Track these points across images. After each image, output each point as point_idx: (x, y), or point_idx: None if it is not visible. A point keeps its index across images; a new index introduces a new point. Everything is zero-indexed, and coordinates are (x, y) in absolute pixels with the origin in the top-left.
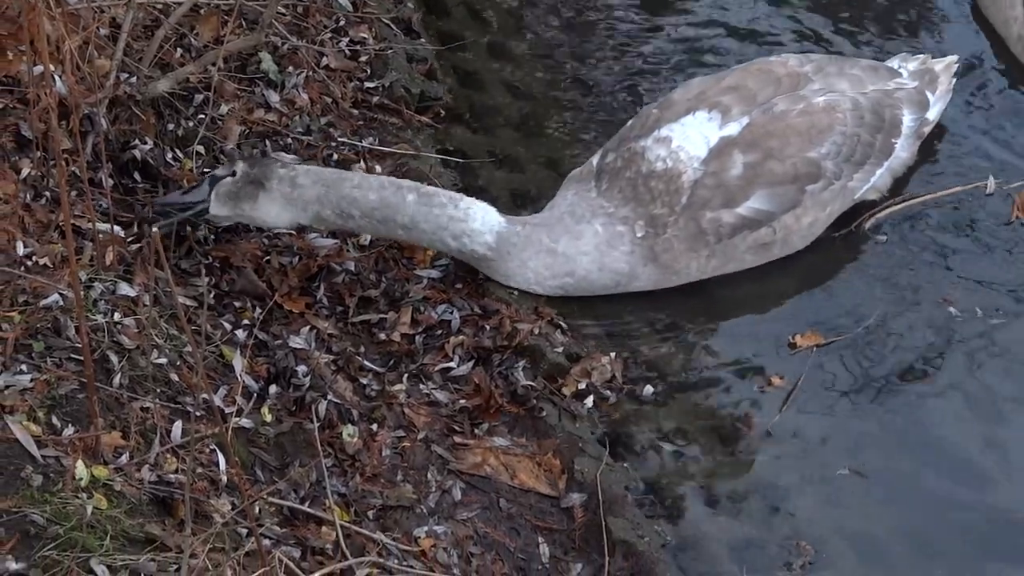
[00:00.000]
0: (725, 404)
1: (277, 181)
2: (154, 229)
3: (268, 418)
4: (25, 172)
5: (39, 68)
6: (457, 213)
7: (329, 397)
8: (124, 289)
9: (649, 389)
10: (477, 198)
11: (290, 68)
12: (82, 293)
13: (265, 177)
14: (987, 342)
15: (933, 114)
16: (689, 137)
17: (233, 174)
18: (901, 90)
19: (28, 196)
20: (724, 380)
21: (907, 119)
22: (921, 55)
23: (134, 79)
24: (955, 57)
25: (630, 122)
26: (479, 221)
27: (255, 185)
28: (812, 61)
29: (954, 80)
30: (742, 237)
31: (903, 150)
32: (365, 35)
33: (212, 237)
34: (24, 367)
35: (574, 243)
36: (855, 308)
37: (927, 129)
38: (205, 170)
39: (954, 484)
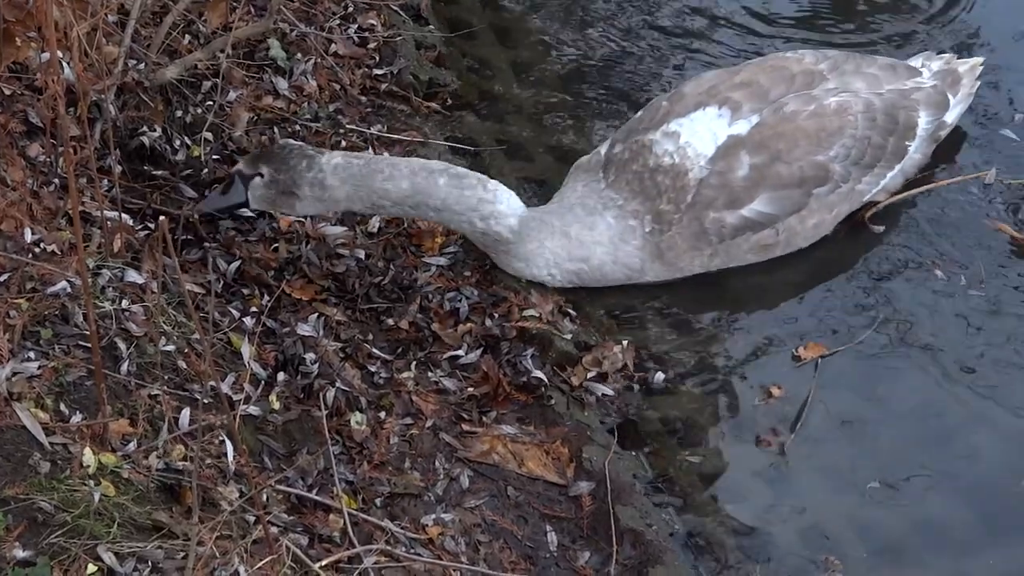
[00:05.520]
0: (736, 394)
1: (308, 187)
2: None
3: (276, 406)
4: (33, 159)
5: (47, 55)
6: (487, 195)
7: (337, 385)
8: (132, 276)
9: (660, 376)
10: None
11: (299, 55)
12: (90, 280)
13: (296, 185)
14: (1004, 336)
15: (952, 117)
16: (697, 133)
17: (260, 175)
18: (919, 90)
19: (36, 183)
20: (735, 369)
21: (923, 121)
22: (946, 54)
23: (142, 66)
24: (981, 59)
25: (639, 113)
26: (505, 204)
27: (288, 194)
28: (828, 58)
29: (978, 83)
30: (745, 238)
31: (917, 151)
32: (374, 22)
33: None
34: (32, 354)
35: (588, 232)
36: (860, 301)
37: (944, 132)
38: (214, 157)
39: (980, 491)
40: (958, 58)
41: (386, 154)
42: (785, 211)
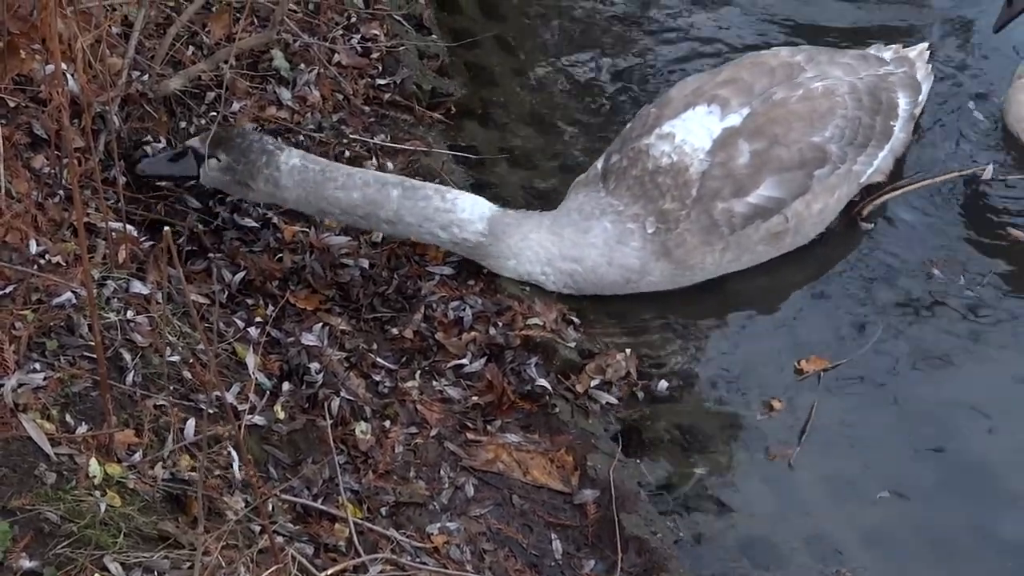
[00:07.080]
0: (740, 403)
1: (263, 182)
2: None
3: (281, 415)
4: (38, 170)
5: (51, 67)
6: (444, 204)
7: (342, 394)
8: (137, 287)
9: (664, 384)
10: (489, 194)
11: (302, 65)
12: (95, 291)
13: (251, 178)
14: (1009, 339)
15: (922, 96)
16: (692, 131)
17: (217, 158)
18: (893, 75)
19: (41, 195)
20: (739, 377)
21: (903, 102)
22: (894, 45)
23: (146, 77)
24: (926, 44)
25: (630, 123)
26: (467, 211)
27: (241, 184)
28: (803, 51)
29: (929, 65)
30: (755, 227)
31: (901, 131)
32: (377, 32)
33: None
34: (37, 365)
35: (582, 235)
36: (860, 309)
37: (918, 111)
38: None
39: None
40: (904, 46)
41: (389, 164)
42: (791, 194)
